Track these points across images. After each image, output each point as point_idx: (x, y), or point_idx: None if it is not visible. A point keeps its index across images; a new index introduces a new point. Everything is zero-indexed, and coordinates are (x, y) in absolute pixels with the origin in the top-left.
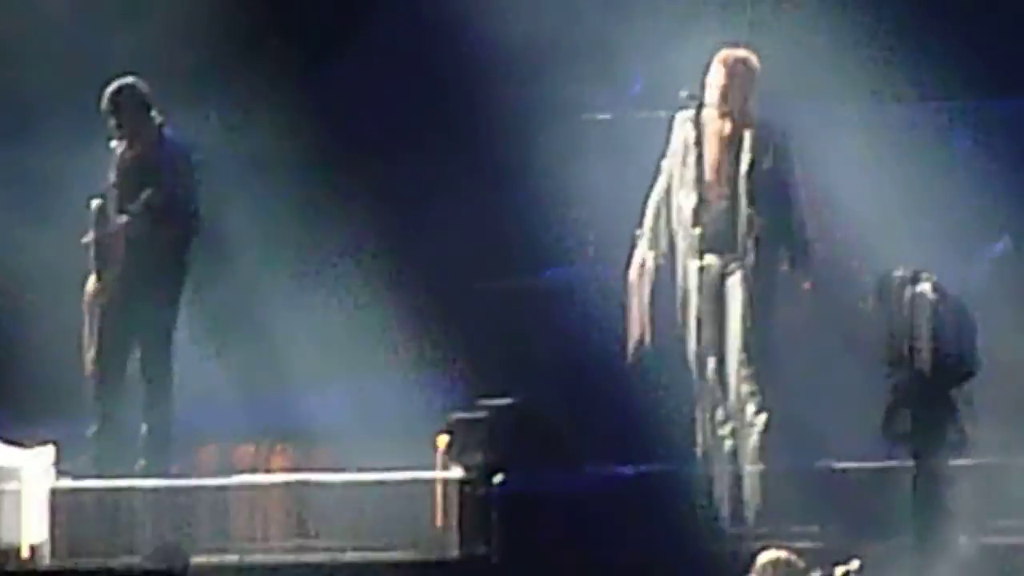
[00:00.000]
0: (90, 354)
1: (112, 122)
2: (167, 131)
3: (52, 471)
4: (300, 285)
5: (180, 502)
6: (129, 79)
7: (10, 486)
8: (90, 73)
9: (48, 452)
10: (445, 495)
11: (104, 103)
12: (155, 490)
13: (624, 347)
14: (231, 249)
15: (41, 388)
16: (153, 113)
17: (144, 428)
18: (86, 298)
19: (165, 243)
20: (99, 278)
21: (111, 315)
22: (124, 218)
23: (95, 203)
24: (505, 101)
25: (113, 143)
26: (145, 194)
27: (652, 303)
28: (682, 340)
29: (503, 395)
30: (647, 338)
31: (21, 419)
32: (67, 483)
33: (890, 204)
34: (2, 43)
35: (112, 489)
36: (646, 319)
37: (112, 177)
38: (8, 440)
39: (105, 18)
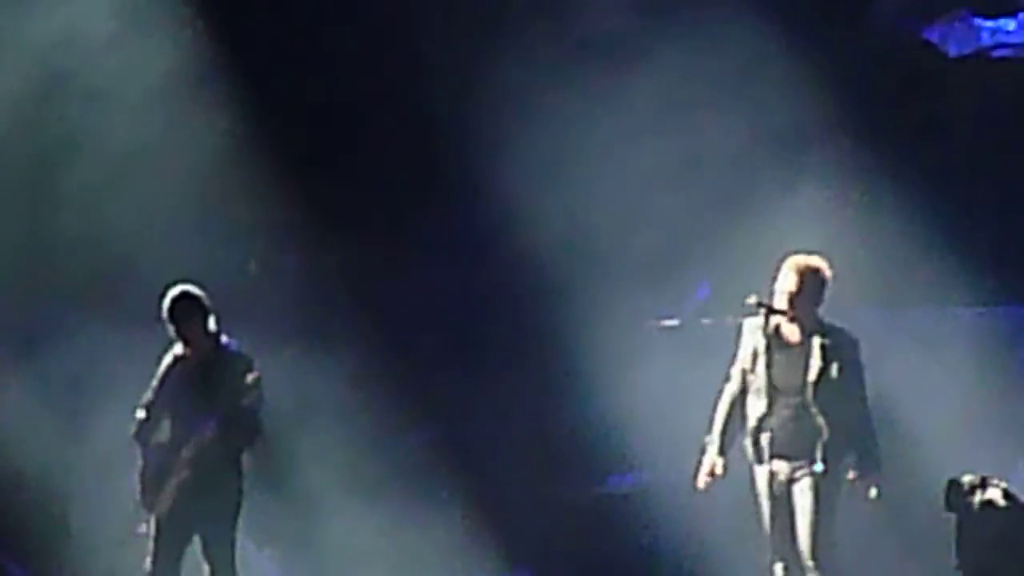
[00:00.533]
0: (147, 561)
1: (171, 329)
2: (224, 340)
3: None
4: (371, 492)
5: None
6: (186, 287)
7: None
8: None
9: None
10: None
11: (164, 311)
12: None
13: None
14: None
15: None
16: (210, 321)
17: None
18: (152, 499)
19: (230, 455)
20: (160, 487)
21: (172, 523)
22: (192, 441)
23: (141, 414)
24: (572, 309)
25: (177, 350)
26: (216, 408)
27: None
28: (752, 546)
29: None
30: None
31: None
32: None
33: (957, 412)
34: None
35: None
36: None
37: (170, 386)
38: None
39: None
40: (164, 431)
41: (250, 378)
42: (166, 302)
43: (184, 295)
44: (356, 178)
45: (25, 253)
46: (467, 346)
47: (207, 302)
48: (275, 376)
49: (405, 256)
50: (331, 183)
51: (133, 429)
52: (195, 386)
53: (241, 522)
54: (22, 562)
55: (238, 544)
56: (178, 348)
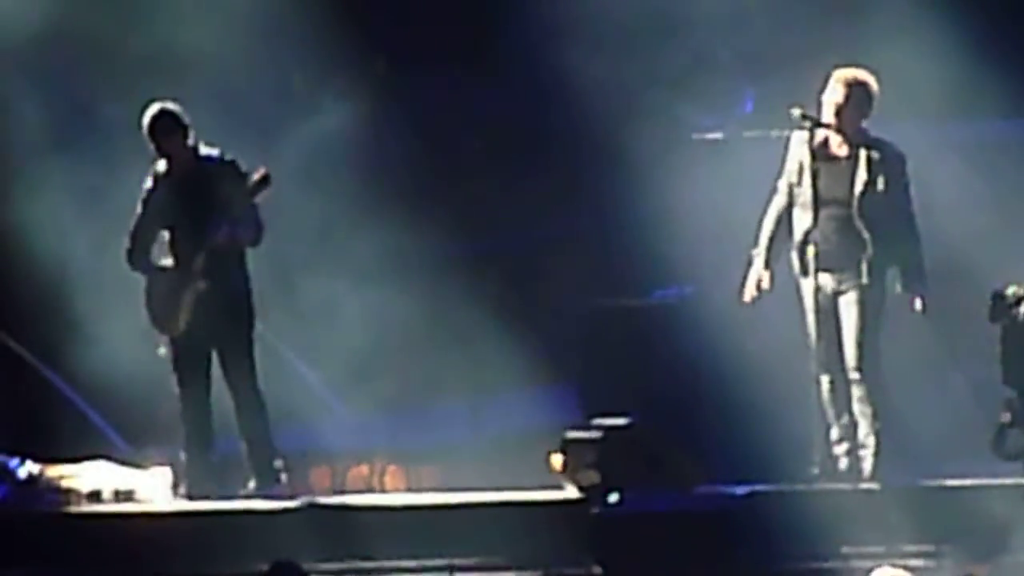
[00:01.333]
0: (174, 379)
1: (152, 147)
2: (204, 150)
3: (170, 492)
4: (412, 304)
5: (294, 520)
6: (164, 104)
7: (132, 507)
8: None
9: (166, 473)
10: (559, 514)
11: (144, 129)
12: (270, 511)
13: (739, 366)
14: (345, 268)
15: (154, 412)
16: (190, 135)
17: (244, 448)
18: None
19: (236, 258)
20: (178, 304)
21: (191, 339)
22: (199, 257)
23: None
24: (618, 121)
25: (159, 166)
26: (226, 212)
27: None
28: (798, 358)
29: (617, 415)
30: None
31: (139, 442)
32: (185, 504)
33: (999, 226)
34: None
35: (227, 511)
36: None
37: (164, 201)
38: (127, 462)
39: None
40: (166, 251)
41: (257, 176)
42: (145, 120)
43: (163, 112)
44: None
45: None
46: (512, 151)
47: (185, 118)
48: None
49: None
50: None
51: (124, 260)
52: (190, 199)
53: (272, 335)
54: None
55: (273, 353)
56: (160, 166)
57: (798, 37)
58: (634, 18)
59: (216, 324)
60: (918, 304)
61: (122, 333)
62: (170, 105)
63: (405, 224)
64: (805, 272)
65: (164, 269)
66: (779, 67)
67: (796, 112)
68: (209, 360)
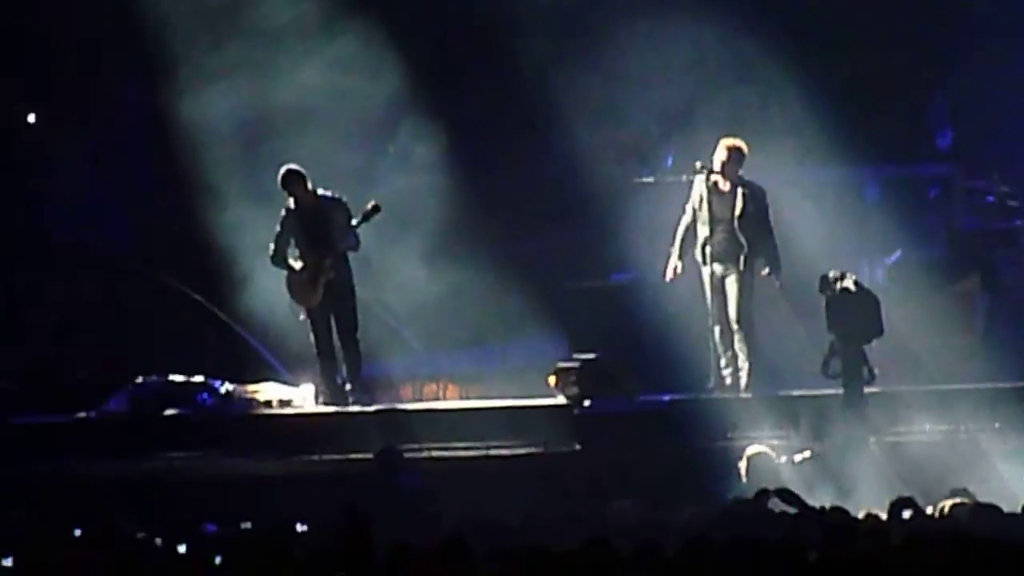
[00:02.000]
0: (311, 339)
1: (285, 193)
2: (321, 192)
3: (312, 401)
4: (465, 283)
5: (382, 418)
6: (288, 166)
7: (290, 410)
8: None
9: (310, 389)
10: (554, 413)
11: (279, 182)
12: (375, 412)
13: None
14: (424, 262)
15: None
16: (309, 183)
17: (346, 376)
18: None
19: (346, 259)
20: (316, 288)
21: (322, 308)
22: (328, 259)
23: (270, 249)
24: (586, 174)
25: (290, 203)
26: (332, 235)
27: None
28: (700, 316)
29: (590, 352)
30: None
31: (292, 369)
32: (321, 408)
33: (825, 233)
34: None
35: (345, 412)
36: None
37: (294, 225)
38: (286, 382)
39: None
40: (296, 257)
41: (370, 206)
42: (279, 175)
43: (290, 170)
44: None
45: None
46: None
47: (305, 172)
48: None
49: None
50: None
51: (269, 260)
52: (312, 224)
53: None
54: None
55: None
56: (291, 203)
57: (697, 112)
58: (598, 101)
59: (336, 299)
60: (776, 283)
61: (278, 294)
62: (294, 165)
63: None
64: (704, 263)
65: (294, 267)
66: (686, 134)
67: (698, 164)
68: (331, 321)
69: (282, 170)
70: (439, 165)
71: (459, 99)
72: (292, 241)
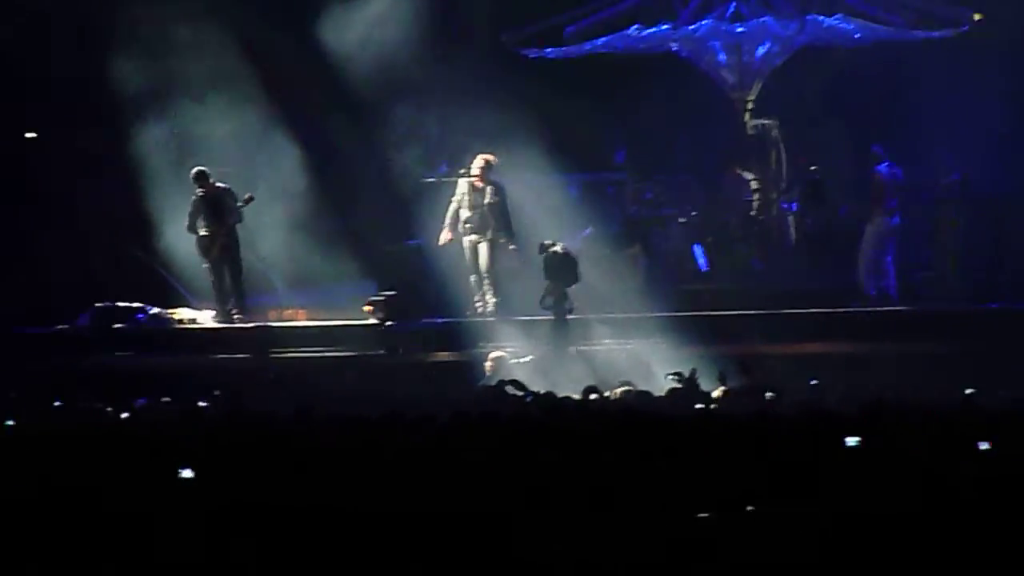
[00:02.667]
0: (211, 273)
1: (195, 184)
2: (218, 183)
3: (212, 320)
4: (314, 243)
5: (255, 332)
6: (199, 167)
7: (198, 326)
8: None
9: (209, 312)
10: (370, 330)
11: (191, 177)
12: (253, 327)
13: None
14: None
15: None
16: (212, 178)
17: (234, 301)
18: (206, 254)
19: (232, 230)
20: (213, 246)
21: (219, 261)
22: (222, 228)
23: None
24: (395, 173)
25: (198, 191)
26: (224, 213)
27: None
28: (462, 268)
29: (391, 290)
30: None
31: (197, 297)
32: (218, 324)
33: (544, 216)
34: None
35: (238, 327)
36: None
37: (201, 205)
38: (193, 307)
39: None
40: (202, 226)
41: (247, 196)
42: (192, 173)
43: (199, 169)
44: None
45: None
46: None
47: (208, 170)
48: None
49: None
50: None
51: (186, 228)
52: (212, 204)
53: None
54: None
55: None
56: (199, 191)
57: (464, 134)
58: (404, 125)
59: (228, 254)
60: (512, 248)
61: (189, 250)
62: (202, 166)
63: (314, 207)
64: (465, 234)
65: (200, 234)
66: (455, 149)
67: (463, 171)
68: (224, 268)
69: (194, 169)
70: (298, 162)
71: (315, 122)
72: (199, 216)
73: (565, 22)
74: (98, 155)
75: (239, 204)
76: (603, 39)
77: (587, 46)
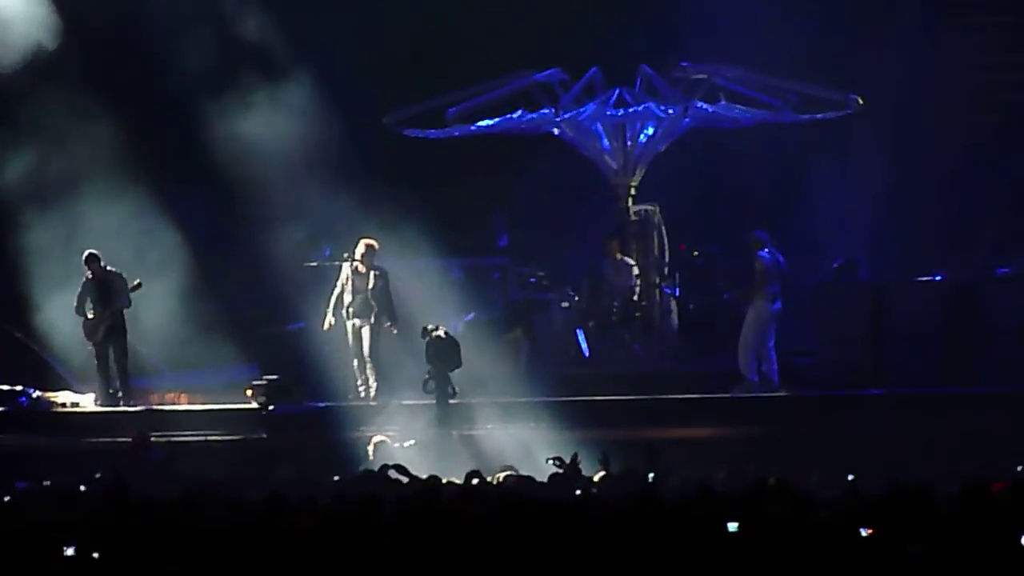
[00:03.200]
0: (95, 356)
1: (85, 267)
2: (110, 268)
3: (94, 404)
4: (194, 321)
5: (139, 414)
6: (91, 251)
7: (80, 409)
8: None
9: (91, 395)
10: (248, 415)
11: (83, 260)
12: (136, 411)
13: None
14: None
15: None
16: (102, 261)
17: (118, 384)
18: (91, 336)
19: (119, 314)
20: (99, 329)
21: (104, 343)
22: (108, 312)
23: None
24: (278, 259)
25: (88, 273)
26: (112, 297)
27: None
28: (344, 352)
29: (273, 374)
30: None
31: (80, 380)
32: (100, 408)
33: (427, 300)
34: None
35: (120, 411)
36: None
37: (90, 289)
38: (76, 390)
39: None
40: (89, 308)
41: (135, 282)
42: (83, 256)
43: (91, 253)
44: None
45: None
46: None
47: (99, 254)
48: None
49: None
50: None
51: (74, 310)
52: (100, 289)
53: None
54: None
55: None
56: (88, 273)
57: (345, 219)
58: (288, 211)
59: (113, 337)
60: (394, 331)
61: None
62: (93, 249)
63: (198, 292)
64: (348, 318)
65: (88, 316)
66: (337, 234)
67: (346, 255)
68: (108, 350)
69: (85, 252)
70: (179, 244)
71: (196, 203)
72: (87, 299)
73: (447, 104)
74: None
75: (129, 288)
76: (485, 122)
77: (470, 128)
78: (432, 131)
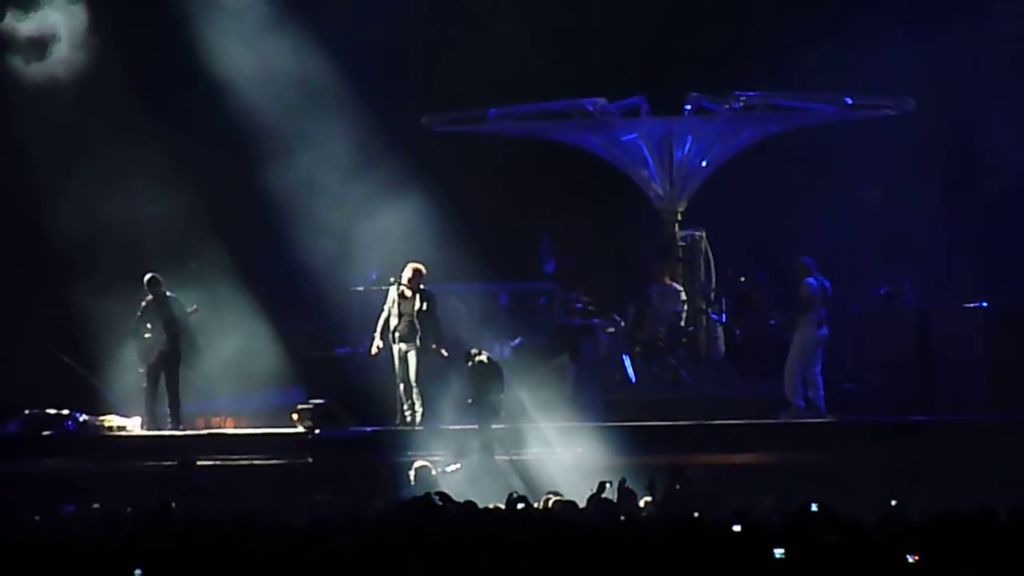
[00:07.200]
0: (145, 381)
1: (146, 290)
2: (169, 293)
3: (139, 427)
4: (244, 346)
5: (191, 438)
6: (152, 273)
7: (126, 432)
8: None
9: (137, 419)
10: (299, 438)
11: (145, 283)
12: (183, 435)
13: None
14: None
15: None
16: (162, 286)
17: (169, 410)
18: (144, 358)
19: (177, 336)
20: (154, 351)
21: (155, 366)
22: (165, 336)
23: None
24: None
25: (148, 296)
26: (170, 322)
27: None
28: (391, 376)
29: (319, 398)
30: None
31: (127, 404)
32: (147, 432)
33: (474, 324)
34: None
35: (167, 434)
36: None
37: (150, 311)
38: (123, 414)
39: None
40: (147, 331)
41: (193, 307)
42: (145, 279)
43: (153, 276)
44: None
45: None
46: None
47: (160, 278)
48: None
49: None
50: None
51: (130, 331)
52: (160, 310)
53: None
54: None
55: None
56: (149, 296)
57: (391, 245)
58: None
59: (166, 361)
60: (444, 353)
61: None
62: (155, 273)
63: (248, 316)
64: (394, 342)
65: (145, 339)
66: (383, 258)
67: (392, 279)
68: (160, 374)
69: (147, 275)
70: (229, 269)
71: (245, 226)
72: (145, 322)
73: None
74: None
75: (187, 313)
76: (526, 124)
77: (510, 126)
78: (465, 126)
